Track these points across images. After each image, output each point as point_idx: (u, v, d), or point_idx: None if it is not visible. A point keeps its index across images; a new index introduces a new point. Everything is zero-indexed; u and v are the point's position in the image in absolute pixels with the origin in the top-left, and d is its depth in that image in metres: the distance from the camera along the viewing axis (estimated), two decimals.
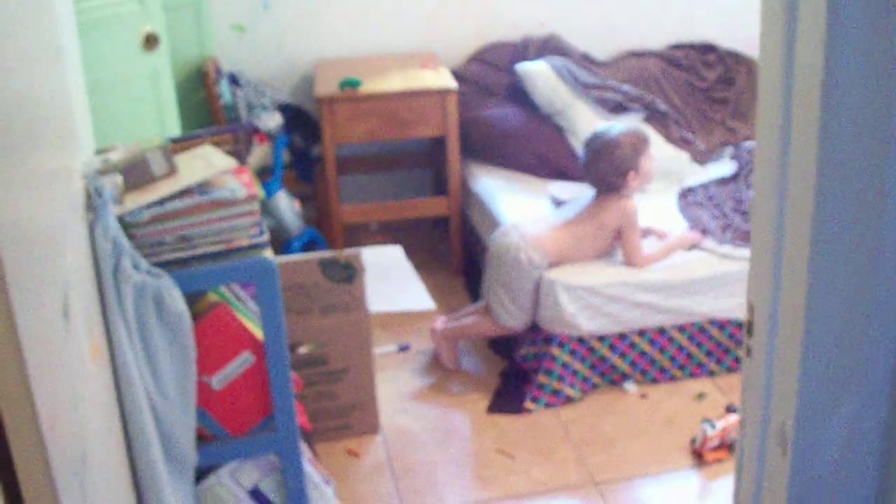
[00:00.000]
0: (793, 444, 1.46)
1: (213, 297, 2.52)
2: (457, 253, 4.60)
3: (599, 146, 3.68)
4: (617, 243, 3.71)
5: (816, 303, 1.38)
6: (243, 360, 2.47)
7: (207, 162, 2.47)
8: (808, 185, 1.32)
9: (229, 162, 2.46)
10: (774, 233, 1.43)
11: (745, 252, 3.71)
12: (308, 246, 4.32)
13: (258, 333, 2.50)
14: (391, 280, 3.68)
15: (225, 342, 2.44)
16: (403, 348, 3.99)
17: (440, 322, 3.87)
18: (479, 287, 4.29)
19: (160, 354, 2.26)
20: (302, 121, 4.58)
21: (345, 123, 4.29)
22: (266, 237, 2.43)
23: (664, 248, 3.73)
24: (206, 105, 4.30)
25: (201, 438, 2.47)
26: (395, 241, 4.80)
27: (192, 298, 2.44)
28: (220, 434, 2.50)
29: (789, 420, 1.46)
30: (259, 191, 2.41)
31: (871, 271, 1.36)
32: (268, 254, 2.42)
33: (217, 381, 2.45)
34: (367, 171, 4.96)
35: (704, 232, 3.84)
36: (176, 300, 2.25)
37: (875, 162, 1.29)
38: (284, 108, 4.50)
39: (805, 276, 1.37)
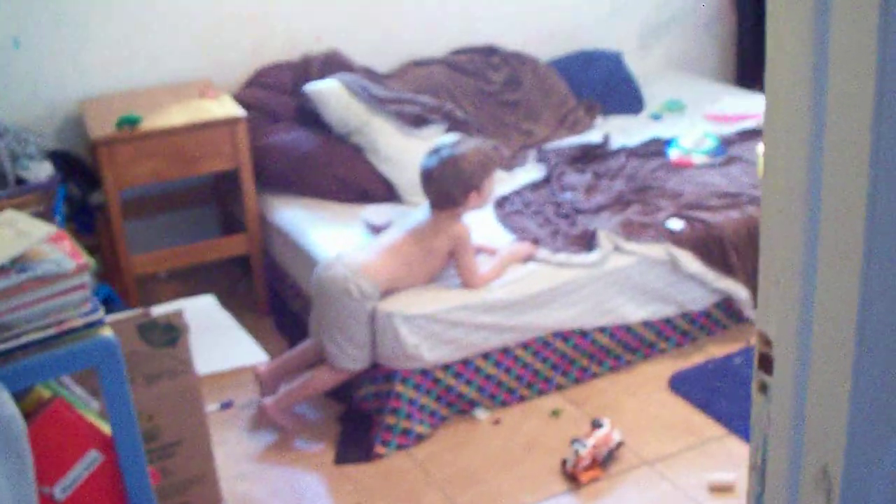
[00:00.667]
0: (841, 488, 1.25)
1: (42, 390, 2.12)
2: (262, 293, 4.25)
3: (447, 157, 3.42)
4: (449, 265, 3.47)
5: (870, 327, 1.17)
6: (90, 461, 2.08)
7: (17, 231, 2.07)
8: (860, 175, 1.11)
9: (45, 228, 2.06)
10: (803, 246, 1.21)
11: (582, 258, 3.57)
12: (103, 305, 3.87)
13: (101, 426, 2.12)
14: (213, 335, 3.32)
15: (66, 443, 2.06)
16: (226, 405, 3.62)
17: (262, 367, 3.52)
18: (292, 326, 3.99)
19: None
20: (75, 168, 4.12)
21: (127, 166, 3.88)
22: (101, 313, 2.06)
23: (498, 264, 3.53)
24: None
25: None
26: (188, 286, 4.41)
27: (18, 396, 2.03)
28: None
29: (835, 463, 1.25)
30: (89, 259, 2.03)
31: None
32: (106, 332, 2.05)
33: (60, 489, 2.06)
34: (146, 214, 4.52)
35: (536, 241, 3.66)
36: (4, 404, 1.85)
37: None
38: (53, 156, 4.04)
39: (856, 297, 1.15)
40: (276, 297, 4.24)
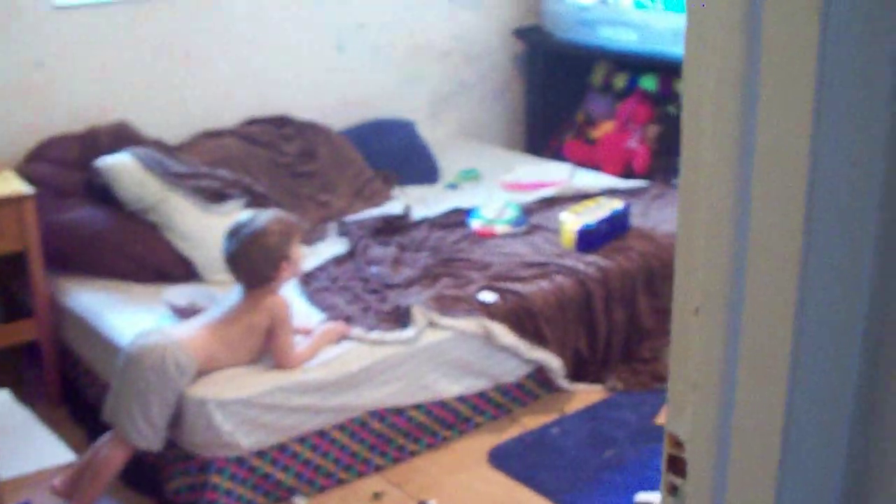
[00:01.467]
0: None
1: None
2: (53, 382, 3.98)
3: (247, 236, 3.29)
4: (269, 343, 3.34)
5: (797, 431, 1.14)
6: None
7: None
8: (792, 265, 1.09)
9: None
10: (724, 348, 1.18)
11: (397, 335, 3.50)
12: None
13: None
14: (11, 435, 3.06)
15: None
16: None
17: (57, 481, 3.26)
18: (88, 415, 3.75)
19: None
20: None
21: None
22: None
23: (313, 344, 3.42)
24: None
25: None
26: None
27: None
28: None
29: None
30: None
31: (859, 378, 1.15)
32: None
33: None
34: None
35: (348, 320, 3.57)
36: None
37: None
38: None
39: (782, 401, 1.13)
40: (70, 386, 3.98)
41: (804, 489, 1.20)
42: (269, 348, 3.34)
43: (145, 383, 3.15)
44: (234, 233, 3.35)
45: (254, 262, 3.30)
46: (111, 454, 3.22)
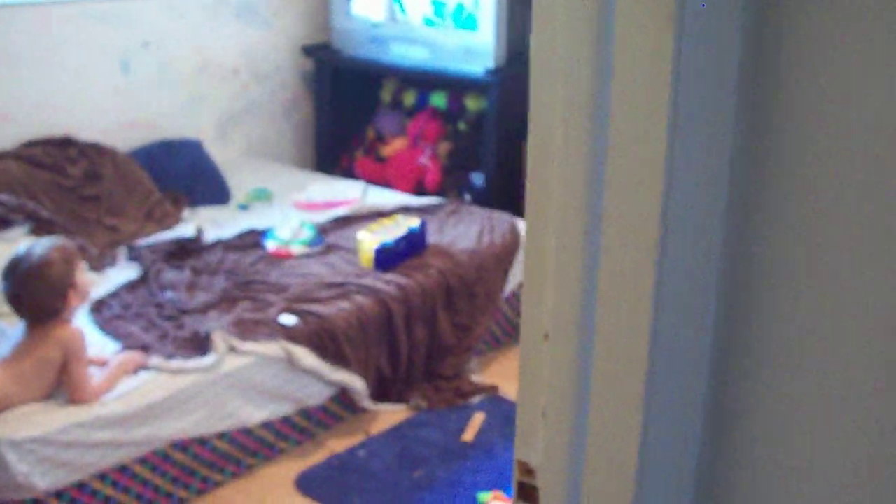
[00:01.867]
0: None
1: None
2: None
3: (28, 271, 3.12)
4: (62, 377, 3.18)
5: (651, 458, 1.15)
6: None
7: None
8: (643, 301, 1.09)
9: None
10: (576, 375, 1.17)
11: (197, 362, 3.40)
12: None
13: None
14: None
15: None
16: None
17: None
18: None
19: None
20: None
21: None
22: None
23: (110, 375, 3.27)
24: None
25: None
26: None
27: None
28: None
29: None
30: None
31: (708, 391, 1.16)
32: None
33: None
34: None
35: (145, 349, 3.44)
36: None
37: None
38: None
39: (637, 428, 1.13)
40: None
41: None
42: (63, 382, 3.18)
43: None
44: (13, 269, 3.17)
45: (39, 297, 3.14)
46: None
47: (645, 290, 1.10)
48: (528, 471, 1.27)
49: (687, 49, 0.98)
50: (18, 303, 3.16)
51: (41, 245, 3.22)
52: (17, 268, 3.15)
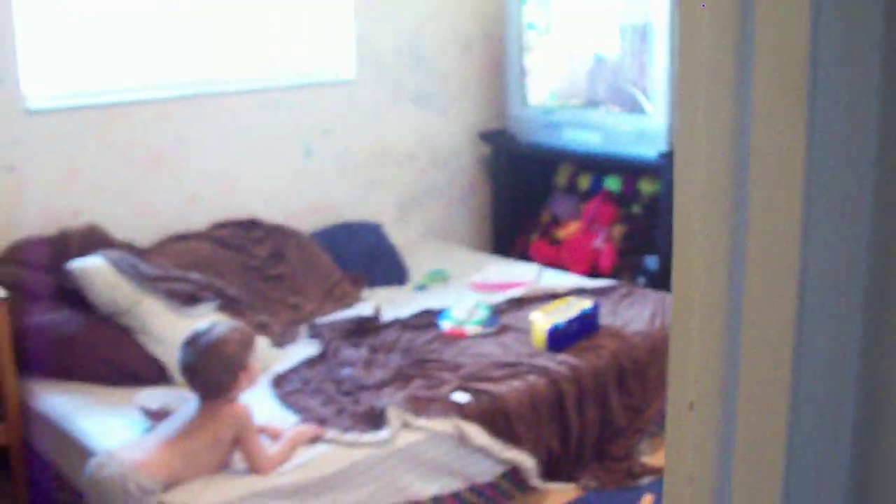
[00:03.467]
0: None
1: None
2: (22, 489, 3.93)
3: (205, 347, 3.30)
4: (234, 451, 3.32)
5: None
6: None
7: None
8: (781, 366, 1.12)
9: None
10: (720, 444, 1.21)
11: (372, 436, 3.50)
12: None
13: None
14: None
15: None
16: None
17: None
18: None
19: None
20: None
21: None
22: None
23: (286, 446, 3.40)
24: None
25: None
26: None
27: None
28: None
29: None
30: None
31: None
32: None
33: None
34: None
35: (322, 422, 3.57)
36: None
37: None
38: None
39: (779, 483, 1.15)
40: (40, 492, 3.92)
41: None
42: (233, 456, 3.32)
43: None
44: (191, 342, 3.35)
45: (212, 373, 3.30)
46: None
47: (784, 362, 1.13)
48: None
49: (821, 129, 1.03)
50: (192, 375, 3.33)
51: (223, 324, 3.39)
52: (196, 342, 3.33)
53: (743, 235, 1.14)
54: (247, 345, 3.36)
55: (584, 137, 5.27)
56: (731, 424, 1.22)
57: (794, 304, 1.12)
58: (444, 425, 3.61)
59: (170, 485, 3.18)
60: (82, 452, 3.44)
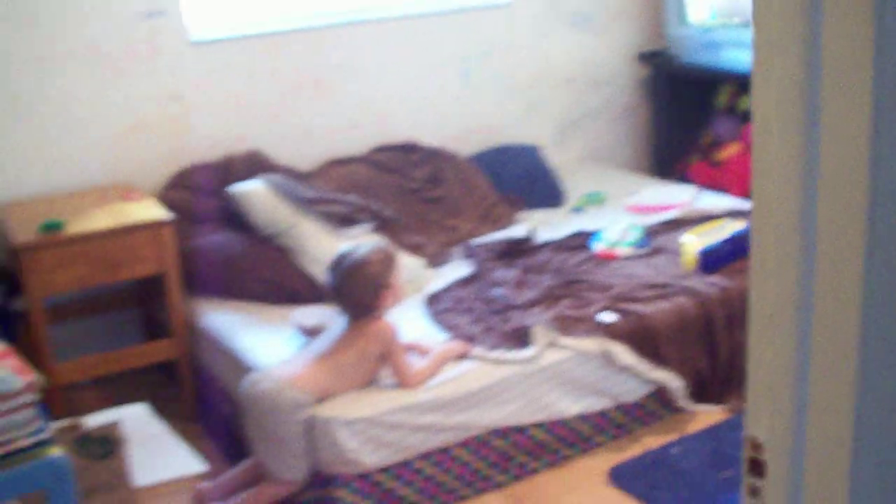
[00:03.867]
0: None
1: None
2: (189, 399, 4.16)
3: (349, 268, 3.42)
4: (382, 368, 3.44)
5: (867, 430, 1.18)
6: None
7: None
8: (853, 277, 1.13)
9: None
10: (795, 352, 1.22)
11: (518, 354, 3.56)
12: None
13: None
14: (148, 445, 3.22)
15: None
16: None
17: (205, 485, 3.42)
18: (222, 432, 3.90)
19: None
20: None
21: (51, 272, 3.79)
22: (49, 432, 1.99)
23: (433, 362, 3.50)
24: None
25: None
26: (113, 393, 4.30)
27: None
28: None
29: None
30: (38, 377, 1.97)
31: None
32: (56, 452, 1.98)
33: None
34: (67, 320, 4.41)
35: (470, 339, 3.65)
36: None
37: None
38: None
39: (852, 401, 1.16)
40: (205, 403, 4.15)
41: (877, 485, 1.23)
42: (381, 372, 3.44)
43: (271, 426, 3.29)
44: (336, 265, 3.47)
45: (356, 294, 3.41)
46: (268, 490, 3.34)
47: (855, 276, 1.14)
48: (756, 446, 1.32)
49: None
50: (338, 296, 3.45)
51: (364, 246, 3.50)
52: (340, 264, 3.45)
53: (816, 161, 1.15)
54: (389, 265, 3.46)
55: (746, 57, 5.15)
56: (806, 335, 1.23)
57: (864, 222, 1.12)
58: (590, 345, 3.65)
59: (320, 399, 3.32)
60: (241, 367, 3.62)
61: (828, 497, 1.23)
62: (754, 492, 1.35)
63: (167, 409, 4.13)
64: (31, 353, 3.91)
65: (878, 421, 1.19)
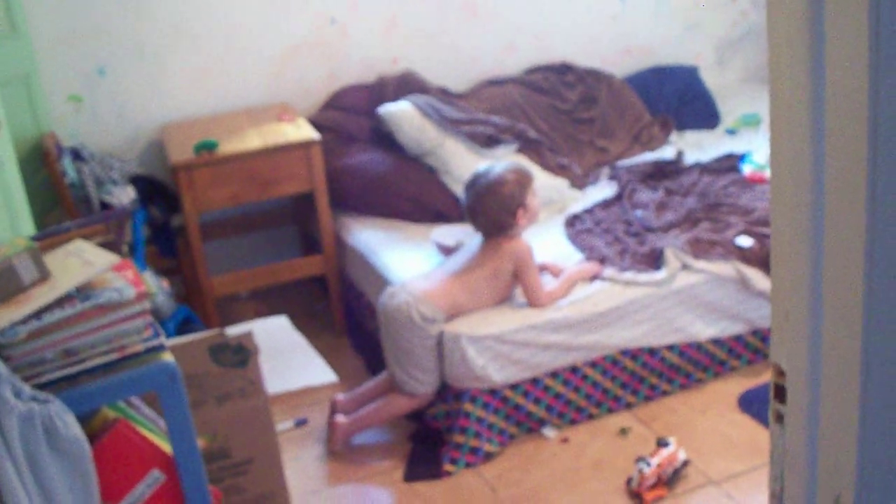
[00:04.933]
0: None
1: (107, 411, 2.21)
2: (338, 313, 4.33)
3: (484, 187, 3.48)
4: (515, 286, 3.51)
5: (876, 357, 1.19)
6: (153, 480, 2.17)
7: (83, 260, 2.16)
8: (859, 215, 1.13)
9: (109, 258, 2.15)
10: (809, 280, 1.23)
11: (649, 276, 3.58)
12: (183, 326, 3.98)
13: (164, 446, 2.20)
14: (285, 355, 3.40)
15: (129, 463, 2.14)
16: (301, 423, 3.70)
17: (341, 396, 3.59)
18: (367, 345, 4.05)
19: (57, 489, 1.94)
20: (157, 191, 4.25)
21: (205, 189, 3.99)
22: (162, 338, 2.14)
23: (565, 282, 3.55)
24: (49, 185, 3.93)
25: None
26: (267, 306, 4.52)
27: (84, 417, 2.12)
28: None
29: (847, 493, 1.26)
30: (150, 286, 2.12)
31: None
32: (167, 357, 2.13)
33: None
34: (227, 235, 4.64)
35: (602, 261, 3.68)
36: (70, 426, 1.93)
37: None
38: (136, 180, 4.17)
39: (860, 327, 1.17)
40: (353, 318, 4.31)
41: (887, 415, 1.24)
42: (513, 291, 3.51)
43: (403, 339, 3.41)
44: (472, 185, 3.53)
45: (491, 213, 3.47)
46: (399, 402, 3.49)
47: (858, 200, 1.15)
48: (780, 372, 1.35)
49: None
50: (473, 215, 3.52)
51: (499, 166, 3.55)
52: (476, 183, 3.51)
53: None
54: (523, 184, 3.50)
55: None
56: (819, 265, 1.24)
57: (867, 149, 1.13)
58: (724, 268, 3.63)
59: (451, 315, 3.42)
60: (383, 283, 3.75)
61: (841, 425, 1.25)
62: (779, 417, 1.37)
63: (319, 323, 4.33)
64: (188, 266, 4.15)
65: (885, 350, 1.20)
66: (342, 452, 3.52)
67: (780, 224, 1.29)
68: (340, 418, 3.52)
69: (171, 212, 4.20)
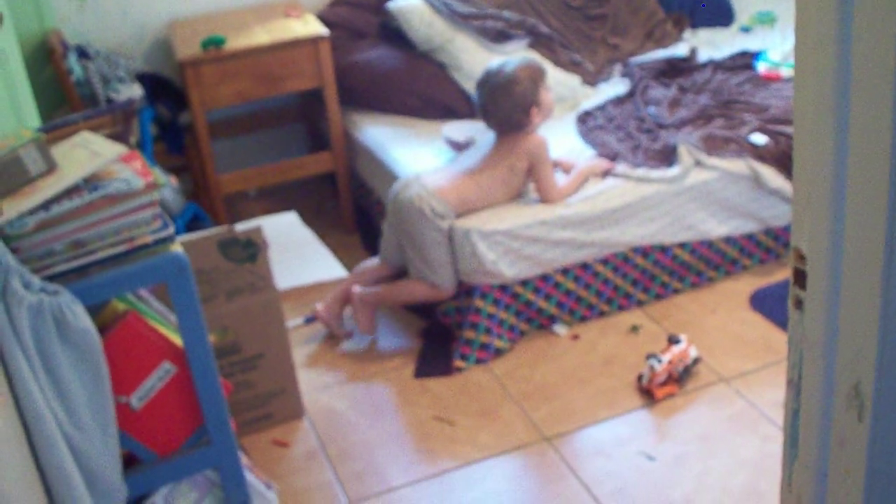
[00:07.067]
0: (872, 406, 1.25)
1: (117, 304, 2.20)
2: (348, 210, 4.31)
3: (497, 84, 3.43)
4: (528, 182, 3.48)
5: None
6: (164, 372, 2.16)
7: (91, 151, 2.13)
8: (886, 98, 1.10)
9: (117, 149, 2.12)
10: (832, 164, 1.20)
11: (662, 173, 3.54)
12: (192, 223, 3.97)
13: (175, 338, 2.19)
14: (294, 251, 3.38)
15: (140, 354, 2.14)
16: (310, 320, 3.70)
17: (357, 288, 3.58)
18: (377, 242, 4.03)
19: (68, 380, 1.94)
20: (164, 89, 4.20)
21: (213, 86, 3.94)
22: (171, 230, 2.12)
23: (576, 178, 3.52)
24: (55, 83, 3.88)
25: (128, 465, 2.16)
26: (276, 204, 4.50)
27: (94, 309, 2.11)
28: (149, 458, 2.20)
29: (867, 381, 1.25)
30: (158, 177, 2.09)
31: None
32: (176, 248, 2.11)
33: (137, 399, 2.15)
34: (236, 133, 4.60)
35: (615, 157, 3.64)
36: (79, 317, 1.92)
37: None
38: (142, 78, 4.13)
39: (884, 211, 1.14)
40: (362, 214, 4.29)
41: None
42: (526, 187, 3.48)
43: (415, 232, 3.38)
44: (484, 82, 3.47)
45: (504, 111, 3.42)
46: (419, 288, 3.47)
47: (888, 64, 1.11)
48: (800, 257, 1.32)
49: None
50: (487, 114, 3.47)
51: (512, 63, 3.49)
52: (488, 81, 3.46)
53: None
54: (537, 81, 3.45)
55: None
56: (843, 149, 1.21)
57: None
58: (737, 165, 3.59)
59: (462, 212, 3.40)
60: (392, 179, 3.72)
61: (863, 310, 1.23)
62: (798, 303, 1.35)
63: (328, 220, 4.31)
64: (197, 164, 4.12)
65: None
66: (354, 348, 3.52)
67: (803, 103, 1.25)
68: (357, 289, 3.52)
69: (179, 109, 4.15)
